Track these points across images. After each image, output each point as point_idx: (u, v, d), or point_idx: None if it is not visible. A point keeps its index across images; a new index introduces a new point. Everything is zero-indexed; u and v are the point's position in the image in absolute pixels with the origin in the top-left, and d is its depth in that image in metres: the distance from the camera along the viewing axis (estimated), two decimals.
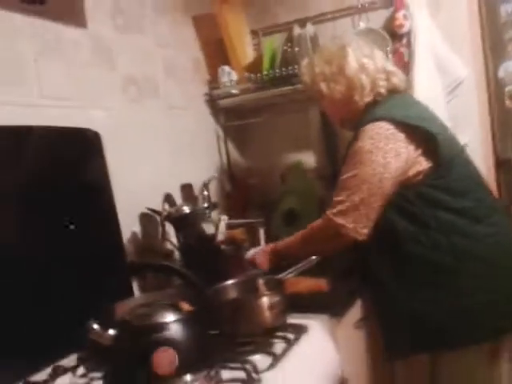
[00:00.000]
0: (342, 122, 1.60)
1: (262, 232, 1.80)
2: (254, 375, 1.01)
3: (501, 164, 1.95)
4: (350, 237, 1.35)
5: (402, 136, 1.35)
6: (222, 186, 2.12)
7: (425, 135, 1.35)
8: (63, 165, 1.33)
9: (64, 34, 1.46)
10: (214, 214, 1.73)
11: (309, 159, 2.09)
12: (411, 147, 1.35)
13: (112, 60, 1.63)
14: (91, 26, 1.55)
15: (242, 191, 2.18)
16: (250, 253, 1.64)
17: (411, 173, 1.36)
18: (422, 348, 1.41)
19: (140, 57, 1.76)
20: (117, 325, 0.89)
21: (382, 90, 1.46)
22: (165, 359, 0.85)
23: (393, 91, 1.48)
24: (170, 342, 0.86)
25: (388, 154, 1.33)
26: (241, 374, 1.00)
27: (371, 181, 1.34)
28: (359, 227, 1.35)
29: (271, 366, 1.06)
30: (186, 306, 0.96)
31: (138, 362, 0.85)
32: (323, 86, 1.48)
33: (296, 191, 2.14)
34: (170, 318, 0.89)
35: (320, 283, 1.45)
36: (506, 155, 1.93)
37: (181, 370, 0.86)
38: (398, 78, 1.50)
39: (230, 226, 1.86)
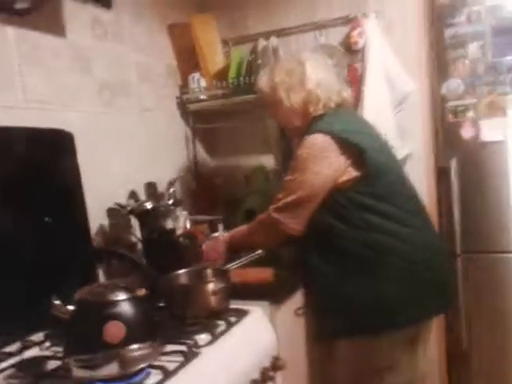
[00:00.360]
0: (293, 130, 1.78)
1: (220, 228, 1.99)
2: (194, 349, 1.19)
3: (441, 172, 2.16)
4: (284, 231, 1.55)
5: (335, 147, 1.53)
6: (188, 185, 2.29)
7: (356, 148, 1.53)
8: (38, 162, 1.48)
9: (44, 43, 1.61)
10: (178, 211, 1.90)
11: (270, 162, 2.28)
12: (343, 158, 1.54)
13: (89, 66, 1.79)
14: (70, 35, 1.71)
15: (207, 190, 2.36)
16: (208, 243, 1.83)
17: (341, 180, 1.54)
18: (350, 330, 1.60)
19: (115, 63, 1.92)
20: (76, 301, 1.07)
21: (333, 104, 1.64)
22: (114, 331, 1.03)
23: (340, 105, 1.67)
24: (119, 317, 1.03)
25: (322, 163, 1.52)
26: (183, 348, 1.19)
27: (305, 185, 1.53)
28: (292, 223, 1.55)
29: (210, 343, 1.25)
30: (141, 292, 1.14)
31: (91, 332, 1.03)
32: (283, 95, 1.64)
33: (258, 192, 2.32)
34: (121, 296, 1.07)
35: (266, 274, 1.65)
36: (445, 164, 2.13)
37: (128, 341, 1.03)
38: (346, 93, 1.69)
39: (194, 222, 2.05)
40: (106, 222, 1.78)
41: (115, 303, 1.05)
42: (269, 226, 1.60)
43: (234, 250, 1.72)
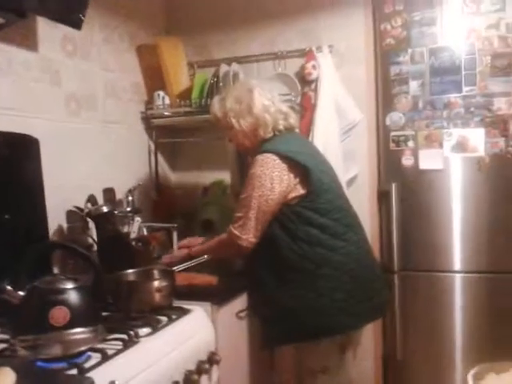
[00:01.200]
0: (245, 150, 1.95)
1: (175, 235, 2.11)
2: (134, 338, 1.31)
3: (382, 194, 2.34)
4: (244, 246, 1.70)
5: (284, 166, 1.70)
6: (148, 195, 2.42)
7: (301, 167, 1.71)
8: (3, 163, 1.60)
9: (17, 56, 1.74)
10: (134, 217, 2.02)
11: (227, 176, 2.43)
12: (291, 175, 1.71)
13: (58, 79, 1.92)
14: (42, 50, 1.85)
15: (167, 201, 2.49)
16: (167, 256, 1.97)
17: (290, 196, 1.71)
18: (290, 339, 1.75)
19: (83, 78, 2.06)
20: (26, 288, 1.18)
21: (281, 127, 1.81)
22: (59, 315, 1.14)
23: (288, 129, 1.84)
24: (65, 303, 1.16)
25: (274, 180, 1.69)
26: (123, 336, 1.30)
27: (260, 200, 1.69)
28: (250, 237, 1.70)
29: (150, 334, 1.37)
30: None
31: (38, 315, 1.14)
32: (234, 121, 1.81)
33: (215, 204, 2.47)
34: (67, 285, 1.19)
35: (211, 279, 1.78)
36: (386, 187, 2.32)
37: (71, 325, 1.15)
38: (293, 119, 1.86)
39: (151, 229, 2.18)
40: (64, 223, 1.89)
41: (63, 291, 1.18)
42: (230, 242, 1.74)
43: None
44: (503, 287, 2.22)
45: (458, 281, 2.28)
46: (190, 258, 1.87)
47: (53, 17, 1.62)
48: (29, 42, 1.79)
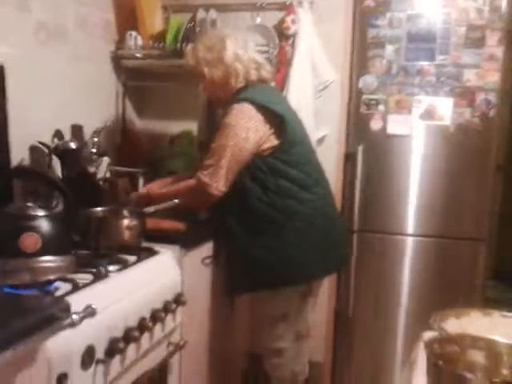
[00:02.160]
0: (218, 100, 1.92)
1: (141, 181, 2.08)
2: (103, 272, 1.29)
3: (349, 156, 2.39)
4: (213, 194, 1.68)
5: (260, 116, 1.69)
6: (113, 138, 2.35)
7: (277, 118, 1.70)
8: None
9: None
10: (101, 158, 1.96)
11: (195, 127, 2.39)
12: (267, 126, 1.70)
13: (26, 4, 1.80)
14: None
15: (132, 147, 2.42)
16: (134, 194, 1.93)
17: (264, 146, 1.71)
18: (256, 288, 1.78)
19: (54, 7, 1.94)
20: None
21: (253, 78, 1.80)
22: (30, 241, 1.11)
23: (261, 80, 1.83)
24: (36, 229, 1.12)
25: (249, 130, 1.68)
26: (93, 270, 1.28)
27: (234, 149, 1.68)
28: (220, 185, 1.69)
29: (119, 270, 1.35)
30: None
31: (8, 240, 1.10)
32: (205, 69, 1.78)
33: (182, 155, 2.43)
34: (39, 212, 1.15)
35: (179, 225, 1.77)
36: (352, 150, 2.36)
37: (42, 252, 1.12)
38: (265, 70, 1.84)
39: (115, 174, 2.12)
40: (27, 159, 1.81)
41: (33, 217, 1.14)
42: (198, 189, 1.72)
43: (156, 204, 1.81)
44: (451, 252, 2.33)
45: (409, 244, 2.38)
46: (149, 198, 1.82)
47: None
48: None
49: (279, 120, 1.70)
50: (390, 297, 2.40)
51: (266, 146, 1.71)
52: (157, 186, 1.92)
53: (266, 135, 1.70)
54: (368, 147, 2.35)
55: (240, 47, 1.77)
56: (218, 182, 1.69)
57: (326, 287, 2.39)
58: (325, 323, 2.45)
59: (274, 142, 1.71)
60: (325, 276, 1.87)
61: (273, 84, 2.07)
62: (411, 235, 2.37)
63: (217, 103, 1.99)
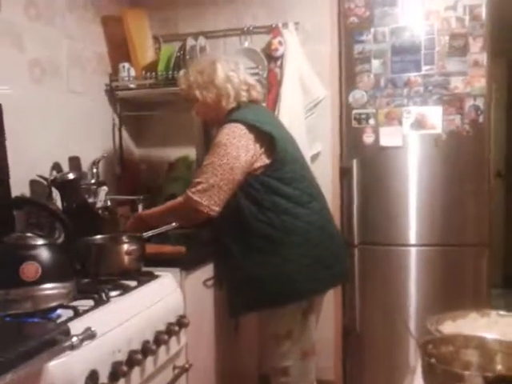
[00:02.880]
0: (210, 121, 1.97)
1: (140, 208, 2.11)
2: (104, 298, 1.31)
3: (344, 171, 2.41)
4: (204, 213, 1.71)
5: (251, 136, 1.73)
6: (112, 168, 2.40)
7: (268, 137, 1.74)
8: None
9: None
10: (100, 188, 2.00)
11: (192, 152, 2.43)
12: (257, 145, 1.74)
13: (21, 43, 1.87)
14: (4, 13, 1.79)
15: (131, 174, 2.47)
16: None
17: (256, 165, 1.74)
18: (257, 307, 1.79)
19: (48, 44, 2.01)
20: None
21: (244, 99, 1.84)
22: (30, 270, 1.13)
23: (252, 101, 1.87)
24: (35, 258, 1.15)
25: (240, 149, 1.71)
26: (94, 296, 1.31)
27: (224, 168, 1.70)
28: (211, 205, 1.70)
29: (120, 295, 1.37)
30: None
31: (9, 270, 1.13)
32: (197, 93, 1.83)
33: (180, 179, 2.47)
34: (39, 241, 1.18)
35: (179, 248, 1.79)
36: (347, 164, 2.39)
37: (43, 280, 1.15)
38: (256, 91, 1.89)
39: (115, 203, 2.16)
40: (27, 193, 1.85)
41: (34, 246, 1.17)
42: (187, 207, 1.73)
43: (149, 226, 1.84)
44: (455, 259, 2.34)
45: (413, 254, 2.38)
46: (142, 221, 1.84)
47: None
48: None
49: (269, 139, 1.74)
50: (396, 309, 2.40)
51: (257, 164, 1.74)
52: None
53: (257, 154, 1.74)
54: (363, 161, 2.38)
55: (231, 69, 1.81)
56: (209, 201, 1.69)
57: (331, 303, 2.40)
58: (333, 340, 2.44)
59: (265, 160, 1.74)
60: (325, 291, 1.87)
61: (264, 104, 2.12)
62: (413, 245, 2.38)
63: (210, 124, 2.04)
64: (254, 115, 1.79)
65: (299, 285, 1.73)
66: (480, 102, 2.24)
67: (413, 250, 2.38)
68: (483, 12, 2.22)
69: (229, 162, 1.70)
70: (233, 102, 1.81)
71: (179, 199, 1.78)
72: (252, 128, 1.73)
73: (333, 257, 1.82)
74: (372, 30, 2.35)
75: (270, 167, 1.74)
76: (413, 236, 2.38)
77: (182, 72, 1.91)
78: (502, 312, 1.14)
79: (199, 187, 1.71)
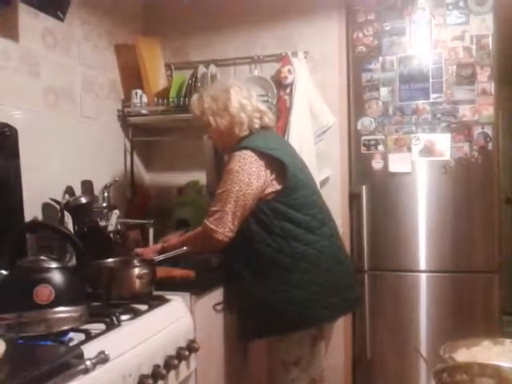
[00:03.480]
0: (223, 147, 1.99)
1: (151, 232, 2.13)
2: (116, 322, 1.32)
3: (353, 196, 2.43)
4: (219, 240, 1.72)
5: (262, 162, 1.75)
6: (123, 192, 2.42)
7: (278, 163, 1.76)
8: None
9: None
10: (111, 212, 2.02)
11: (203, 177, 2.45)
12: (268, 171, 1.76)
13: (37, 70, 1.92)
14: (22, 40, 1.85)
15: (141, 199, 2.49)
16: (140, 249, 1.97)
17: (267, 191, 1.76)
18: (266, 332, 1.78)
19: (62, 72, 2.06)
20: (11, 267, 1.18)
21: (257, 126, 1.86)
22: (44, 293, 1.14)
23: (264, 127, 1.90)
24: (49, 281, 1.16)
25: (251, 176, 1.73)
26: (106, 319, 1.31)
27: (237, 195, 1.72)
28: (226, 231, 1.72)
29: (131, 319, 1.37)
30: None
31: (23, 293, 1.14)
32: (211, 119, 1.85)
33: (190, 203, 2.49)
34: (52, 265, 1.19)
35: (189, 272, 1.79)
36: (357, 190, 2.41)
37: (56, 303, 1.15)
38: (268, 117, 1.91)
39: (126, 227, 2.17)
40: (40, 216, 1.87)
41: (46, 269, 1.18)
42: (205, 236, 1.76)
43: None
44: (465, 285, 2.33)
45: (423, 280, 2.37)
46: (163, 251, 1.86)
47: (37, 6, 1.63)
48: (10, 32, 1.79)
49: (280, 165, 1.76)
50: (407, 335, 2.37)
51: (268, 190, 1.76)
52: (172, 238, 1.96)
53: (268, 180, 1.75)
54: (372, 186, 2.40)
55: (244, 97, 1.84)
56: (224, 228, 1.73)
57: (341, 330, 2.38)
58: (343, 367, 2.41)
59: (276, 186, 1.76)
60: (335, 319, 1.86)
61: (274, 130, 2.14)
62: (423, 271, 2.37)
63: (221, 150, 2.06)
64: (264, 142, 1.81)
65: (309, 312, 1.72)
66: (488, 130, 2.26)
67: (423, 276, 2.37)
68: (490, 42, 2.26)
69: (241, 188, 1.72)
70: (246, 130, 1.84)
71: (198, 229, 1.80)
72: (262, 155, 1.75)
73: (343, 283, 1.81)
74: (380, 58, 2.39)
75: (280, 193, 1.75)
76: (422, 262, 2.37)
77: (195, 96, 1.93)
78: None
79: (216, 216, 1.73)
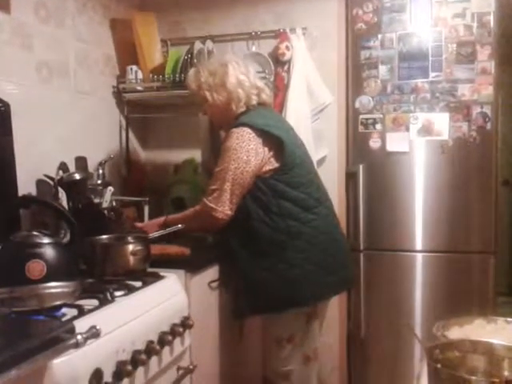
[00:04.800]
0: (219, 124, 1.97)
1: (146, 209, 2.11)
2: (109, 298, 1.31)
3: (350, 175, 2.41)
4: (219, 218, 1.72)
5: (260, 140, 1.73)
6: (118, 169, 2.40)
7: (276, 141, 1.74)
8: None
9: None
10: (106, 189, 2.01)
11: (198, 155, 2.43)
12: (266, 148, 1.74)
13: (30, 43, 1.88)
14: (14, 13, 1.81)
15: (137, 176, 2.48)
16: (140, 224, 1.96)
17: (264, 169, 1.74)
18: (262, 310, 1.79)
19: (56, 45, 2.02)
20: (1, 242, 1.17)
21: (254, 102, 1.84)
22: (36, 268, 1.14)
23: (261, 104, 1.87)
24: (41, 256, 1.15)
25: (249, 153, 1.71)
26: (99, 295, 1.30)
27: (236, 173, 1.71)
28: (225, 209, 1.72)
29: (125, 295, 1.37)
30: None
31: (15, 268, 1.13)
32: (207, 94, 1.82)
33: (186, 182, 2.47)
34: (44, 240, 1.18)
35: (184, 250, 1.79)
36: (353, 169, 2.39)
37: (48, 278, 1.15)
38: (265, 94, 1.89)
39: (121, 204, 2.16)
40: (34, 193, 1.86)
41: (38, 244, 1.17)
42: (204, 214, 1.75)
43: None
44: (460, 266, 2.33)
45: (418, 260, 2.37)
46: (164, 226, 1.84)
47: None
48: (1, 3, 1.75)
49: (278, 143, 1.74)
50: (402, 315, 2.38)
51: (266, 168, 1.74)
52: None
53: (266, 158, 1.74)
54: (369, 165, 2.38)
55: (242, 73, 1.81)
56: (224, 206, 1.72)
57: (336, 308, 2.39)
58: (337, 345, 2.43)
59: (274, 164, 1.75)
60: (329, 297, 1.86)
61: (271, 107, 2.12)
62: (419, 251, 2.36)
63: (217, 126, 2.03)
64: (262, 119, 1.79)
65: (303, 290, 1.73)
66: (487, 110, 2.24)
67: (419, 256, 2.37)
68: (491, 20, 2.22)
69: (239, 166, 1.70)
70: (243, 106, 1.81)
71: (197, 207, 1.79)
72: (260, 132, 1.73)
73: (338, 263, 1.81)
74: (379, 36, 2.35)
75: (278, 170, 1.74)
76: (419, 242, 2.37)
77: (192, 71, 1.90)
78: (509, 319, 1.14)
79: (215, 194, 1.72)
